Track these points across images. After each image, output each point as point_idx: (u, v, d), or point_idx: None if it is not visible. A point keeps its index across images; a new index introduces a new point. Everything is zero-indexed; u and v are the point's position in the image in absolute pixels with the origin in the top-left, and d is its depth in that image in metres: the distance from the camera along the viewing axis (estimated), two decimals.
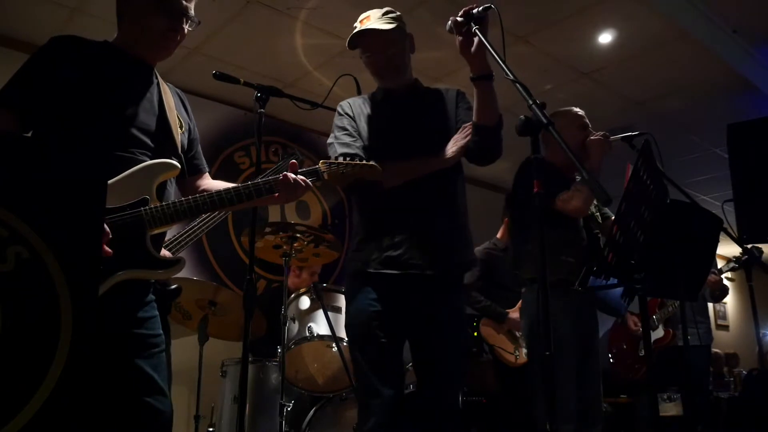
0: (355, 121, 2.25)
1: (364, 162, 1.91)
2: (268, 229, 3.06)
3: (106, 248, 1.46)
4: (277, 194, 1.78)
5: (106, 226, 1.48)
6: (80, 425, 0.82)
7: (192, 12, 1.77)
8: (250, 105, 2.44)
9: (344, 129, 2.23)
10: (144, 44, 1.75)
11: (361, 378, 2.14)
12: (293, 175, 1.79)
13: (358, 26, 2.20)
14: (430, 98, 2.31)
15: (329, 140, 2.25)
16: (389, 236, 2.13)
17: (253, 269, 2.06)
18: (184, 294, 3.14)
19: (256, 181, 1.77)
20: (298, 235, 3.05)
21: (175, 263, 1.64)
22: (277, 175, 1.78)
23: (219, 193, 1.71)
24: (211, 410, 3.39)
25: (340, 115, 2.28)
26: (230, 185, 1.79)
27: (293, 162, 1.84)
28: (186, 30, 1.77)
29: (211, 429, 3.27)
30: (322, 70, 4.45)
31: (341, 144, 2.18)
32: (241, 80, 2.16)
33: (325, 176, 1.87)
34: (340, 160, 1.90)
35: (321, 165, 1.88)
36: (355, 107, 2.29)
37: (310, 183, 1.82)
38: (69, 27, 3.78)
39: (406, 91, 2.29)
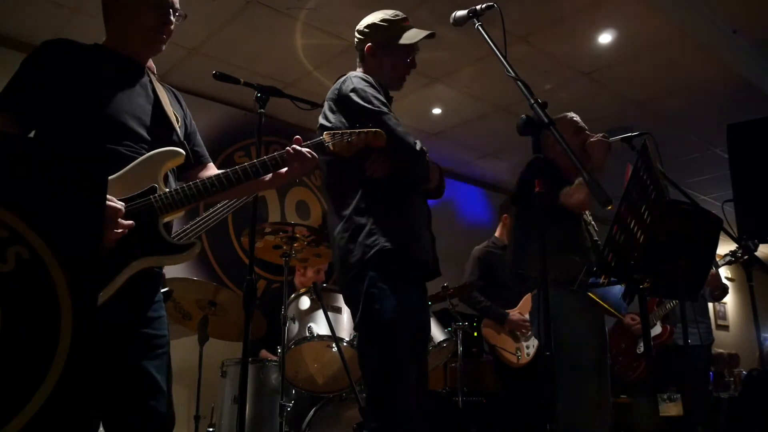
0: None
1: (369, 129, 1.84)
2: (268, 230, 3.06)
3: (123, 221, 1.45)
4: (284, 170, 1.74)
5: (118, 203, 1.46)
6: (80, 425, 0.82)
7: (178, 5, 1.76)
8: (250, 105, 2.43)
9: (386, 106, 2.08)
10: (133, 41, 1.74)
11: (394, 378, 1.94)
12: (299, 147, 1.74)
13: (414, 28, 2.19)
14: None
15: (371, 107, 2.02)
16: (421, 233, 2.12)
17: (253, 269, 2.06)
18: (184, 294, 3.15)
19: (261, 158, 1.71)
20: (298, 235, 3.05)
21: (189, 247, 1.62)
22: (282, 151, 1.72)
23: (226, 172, 1.68)
24: (211, 410, 3.39)
25: (374, 87, 2.10)
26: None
27: (297, 137, 1.78)
28: (173, 24, 1.75)
29: (211, 429, 3.27)
30: (322, 70, 4.45)
31: (398, 124, 2.04)
32: (241, 80, 2.16)
33: (331, 147, 1.81)
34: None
35: (326, 136, 1.82)
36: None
37: (316, 155, 1.76)
38: (69, 27, 3.79)
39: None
